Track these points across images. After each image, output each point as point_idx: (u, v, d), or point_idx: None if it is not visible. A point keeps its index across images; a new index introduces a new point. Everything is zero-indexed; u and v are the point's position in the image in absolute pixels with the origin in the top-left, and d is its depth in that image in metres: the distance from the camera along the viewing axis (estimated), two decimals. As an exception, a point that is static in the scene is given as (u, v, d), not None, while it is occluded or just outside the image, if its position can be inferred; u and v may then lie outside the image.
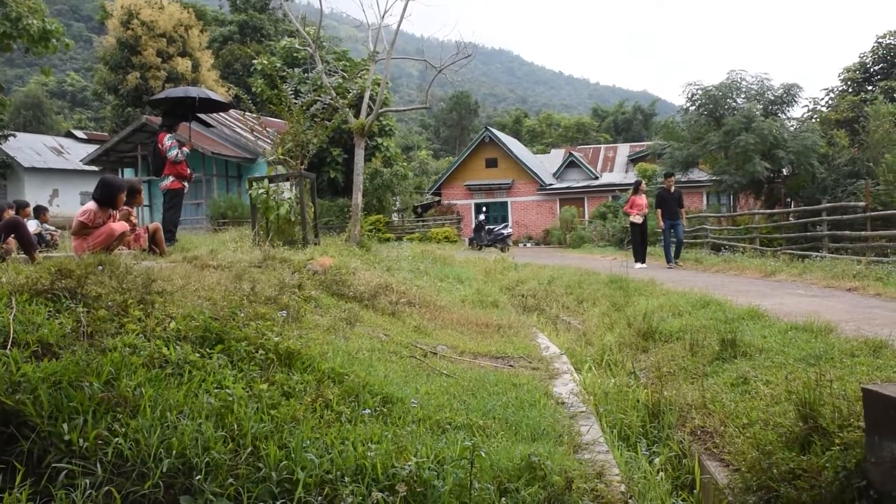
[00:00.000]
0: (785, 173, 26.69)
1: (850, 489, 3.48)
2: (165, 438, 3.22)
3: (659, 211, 17.99)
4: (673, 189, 18.26)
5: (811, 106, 31.84)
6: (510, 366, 6.98)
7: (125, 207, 8.89)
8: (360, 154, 16.16)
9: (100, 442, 3.15)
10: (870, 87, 32.71)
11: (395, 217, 43.90)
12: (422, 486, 3.35)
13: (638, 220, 18.44)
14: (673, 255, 18.06)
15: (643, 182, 20.14)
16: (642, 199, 18.71)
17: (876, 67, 33.80)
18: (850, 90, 33.14)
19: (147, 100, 20.44)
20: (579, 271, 16.55)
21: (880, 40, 33.42)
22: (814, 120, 29.54)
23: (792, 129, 26.71)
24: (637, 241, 18.91)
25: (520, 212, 46.44)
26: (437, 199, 48.87)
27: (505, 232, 33.52)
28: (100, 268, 5.13)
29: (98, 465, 3.04)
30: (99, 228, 7.96)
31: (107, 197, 8.18)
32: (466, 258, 20.78)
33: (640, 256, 18.64)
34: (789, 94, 28.37)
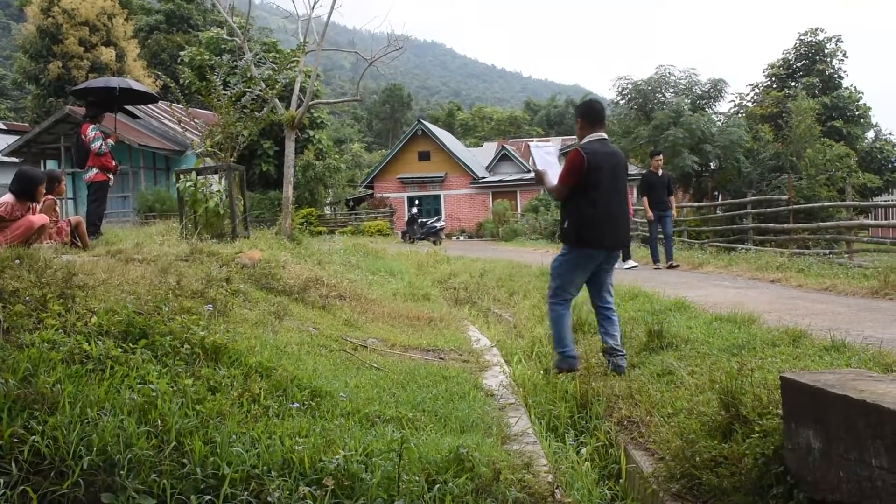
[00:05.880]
0: (712, 167, 27.28)
1: (769, 475, 3.55)
2: (86, 435, 3.13)
3: (645, 199, 15.13)
4: (661, 172, 15.13)
5: (737, 101, 32.70)
6: (441, 358, 6.99)
7: (49, 197, 8.67)
8: (290, 146, 16.02)
9: (15, 440, 3.04)
10: (793, 83, 33.69)
11: (327, 210, 43.66)
12: (350, 479, 3.32)
13: None
14: (666, 252, 15.01)
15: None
16: None
17: (798, 64, 34.83)
18: (775, 86, 34.10)
19: (70, 90, 19.91)
20: (511, 264, 16.63)
21: (802, 37, 34.42)
22: (740, 115, 30.32)
23: (719, 123, 27.31)
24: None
25: (453, 205, 46.54)
26: (369, 192, 48.71)
27: (438, 225, 33.62)
28: (17, 262, 4.99)
29: (13, 465, 2.95)
30: (17, 221, 7.72)
31: (24, 189, 7.94)
32: (399, 251, 20.76)
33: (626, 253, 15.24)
34: (716, 89, 29.02)
